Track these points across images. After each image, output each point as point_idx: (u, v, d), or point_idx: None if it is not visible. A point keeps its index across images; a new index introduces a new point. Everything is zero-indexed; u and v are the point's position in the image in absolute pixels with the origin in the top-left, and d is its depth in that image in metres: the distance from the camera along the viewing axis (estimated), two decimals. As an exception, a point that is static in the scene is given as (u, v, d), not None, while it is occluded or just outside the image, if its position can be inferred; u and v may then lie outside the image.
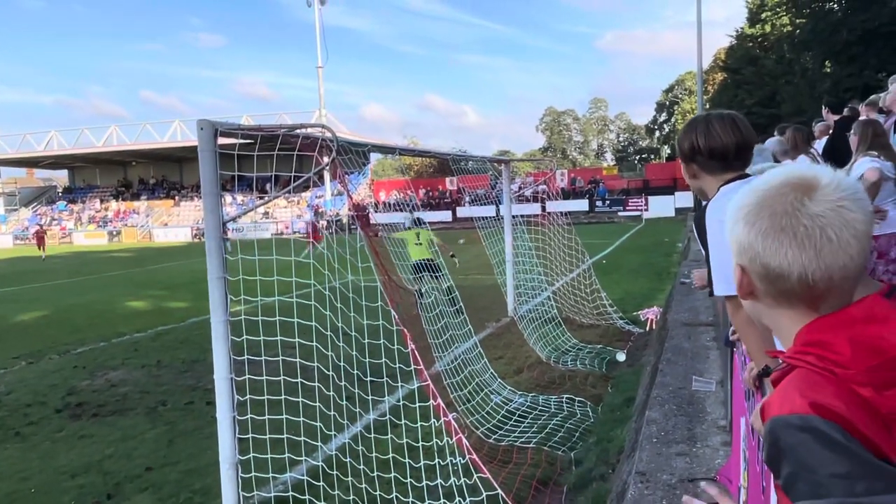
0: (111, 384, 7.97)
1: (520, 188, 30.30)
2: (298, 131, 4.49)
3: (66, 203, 60.85)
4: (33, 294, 18.13)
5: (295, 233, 42.58)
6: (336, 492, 4.26)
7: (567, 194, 42.67)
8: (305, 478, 4.46)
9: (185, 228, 50.87)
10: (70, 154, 57.12)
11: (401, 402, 5.15)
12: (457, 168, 9.06)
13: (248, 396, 4.41)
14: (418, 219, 10.74)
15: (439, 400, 4.25)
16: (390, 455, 4.45)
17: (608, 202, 44.51)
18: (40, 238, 33.14)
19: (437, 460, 4.43)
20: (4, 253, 42.06)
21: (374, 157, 59.08)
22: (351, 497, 4.16)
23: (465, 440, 4.07)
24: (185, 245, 42.85)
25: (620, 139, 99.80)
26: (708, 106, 39.53)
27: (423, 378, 4.36)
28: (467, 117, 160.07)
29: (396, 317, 4.51)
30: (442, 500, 4.03)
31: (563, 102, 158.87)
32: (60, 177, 69.73)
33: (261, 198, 41.48)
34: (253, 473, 4.36)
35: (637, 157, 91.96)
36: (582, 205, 43.14)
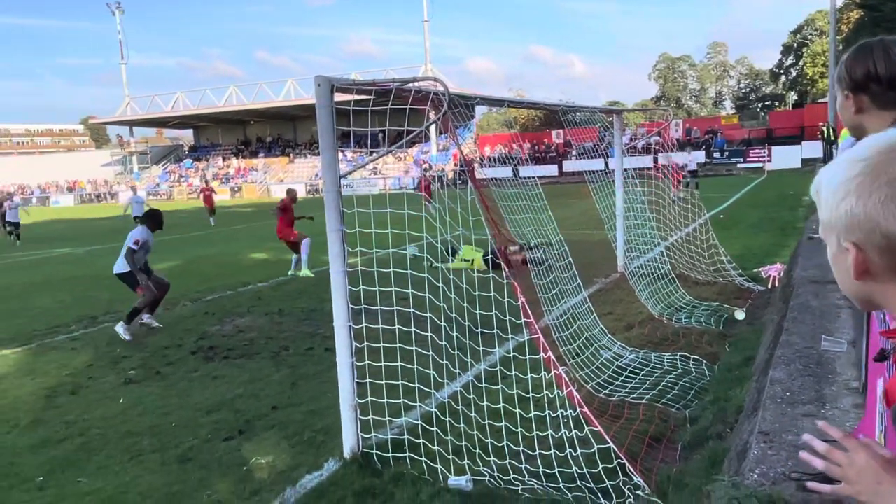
0: (238, 330, 8.53)
1: (631, 140, 29.18)
2: (411, 85, 4.51)
3: (191, 161, 64.73)
4: (167, 246, 19.57)
5: (403, 188, 43.27)
6: (449, 437, 4.39)
7: (682, 145, 40.74)
8: (420, 423, 4.62)
9: (300, 184, 52.94)
10: (194, 114, 60.53)
11: (511, 354, 5.20)
12: (566, 120, 8.83)
13: (365, 344, 4.60)
14: None
15: (550, 353, 4.26)
16: (501, 405, 4.52)
17: (727, 153, 42.13)
18: (208, 198, 28.13)
19: (547, 412, 4.46)
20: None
21: (479, 111, 58.71)
22: (463, 443, 4.28)
23: (575, 393, 4.07)
24: (301, 200, 44.62)
25: (741, 86, 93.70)
26: (841, 47, 36.20)
27: (533, 331, 4.37)
28: (574, 68, 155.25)
29: (507, 270, 4.53)
30: (552, 451, 4.06)
31: (677, 48, 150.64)
32: (186, 136, 74.18)
33: (372, 153, 42.32)
34: (371, 416, 4.57)
35: (759, 105, 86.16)
36: (698, 157, 41.09)
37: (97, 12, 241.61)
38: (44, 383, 6.77)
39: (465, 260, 9.58)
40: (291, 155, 60.34)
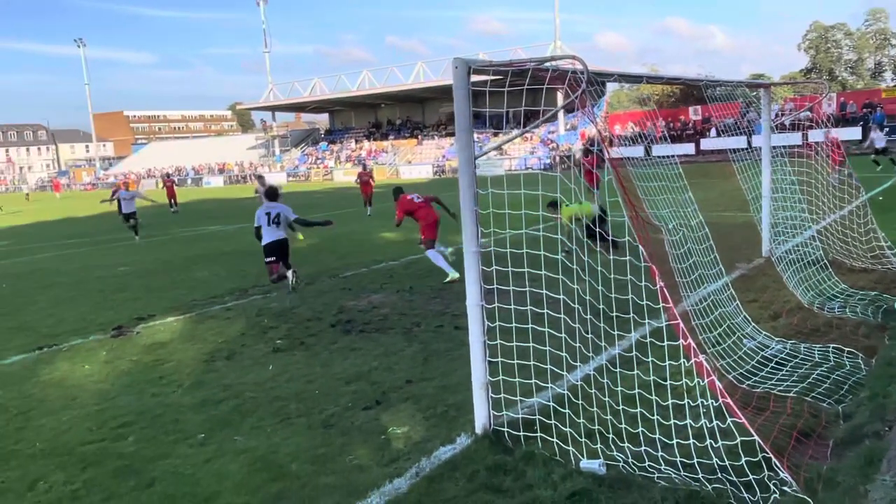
0: (373, 305, 8.89)
1: (778, 115, 27.19)
2: (547, 64, 4.47)
3: (327, 144, 67.69)
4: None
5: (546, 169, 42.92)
6: (581, 420, 4.37)
7: (836, 121, 37.42)
8: (551, 404, 4.63)
9: (427, 166, 53.97)
10: (330, 98, 63.22)
11: (647, 340, 5.07)
12: (709, 96, 8.38)
13: (497, 323, 4.66)
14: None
15: (690, 340, 4.11)
16: (636, 390, 4.43)
17: (887, 129, 38.26)
18: (366, 184, 23.33)
19: (686, 400, 4.32)
20: (282, 188, 48.41)
21: (610, 88, 56.84)
22: (596, 427, 4.25)
23: (717, 382, 3.91)
24: (426, 181, 45.53)
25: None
26: None
27: (671, 317, 4.24)
28: (714, 39, 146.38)
29: (644, 253, 4.40)
30: (691, 440, 3.94)
31: (831, 16, 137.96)
32: (322, 120, 77.67)
33: (495, 134, 42.23)
34: (502, 395, 4.64)
35: (927, 75, 77.24)
36: (854, 133, 37.63)
37: (244, 3, 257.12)
38: (203, 349, 7.42)
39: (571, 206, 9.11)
40: (419, 136, 61.54)
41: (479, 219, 4.54)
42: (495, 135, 42.98)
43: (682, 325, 4.12)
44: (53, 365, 7.23)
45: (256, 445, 4.81)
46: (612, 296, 4.62)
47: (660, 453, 3.99)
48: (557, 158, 46.21)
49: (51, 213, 38.08)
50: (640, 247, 4.28)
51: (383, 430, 4.90)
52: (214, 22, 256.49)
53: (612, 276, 4.67)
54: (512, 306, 4.67)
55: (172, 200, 29.31)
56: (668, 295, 4.24)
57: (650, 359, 4.71)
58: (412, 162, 56.72)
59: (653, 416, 4.26)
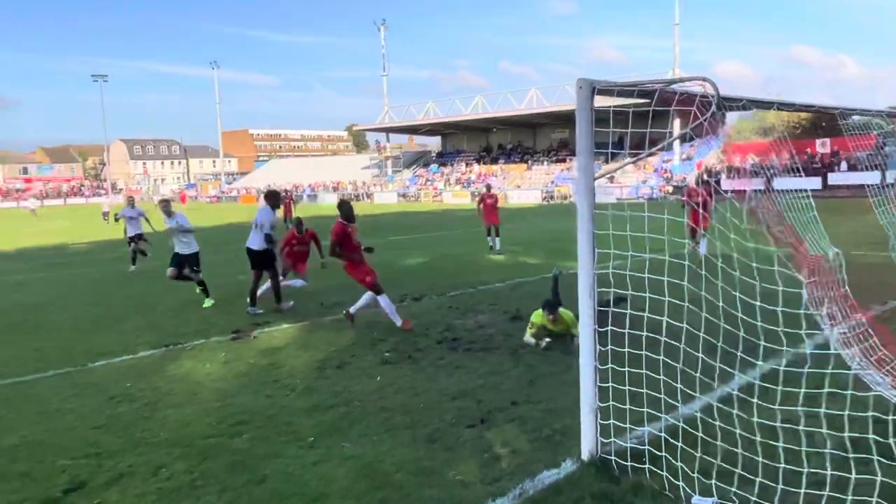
0: (479, 325, 8.91)
1: (920, 149, 25.11)
2: (676, 86, 4.35)
3: (437, 166, 68.98)
4: (414, 244, 21.10)
5: (674, 196, 41.88)
6: (699, 454, 4.15)
7: None
8: (663, 434, 4.44)
9: (535, 191, 53.76)
10: (443, 122, 64.52)
11: (786, 369, 4.74)
12: (845, 125, 7.86)
13: (609, 347, 4.54)
14: None
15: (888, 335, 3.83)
16: (778, 423, 4.12)
17: None
18: (491, 209, 17.53)
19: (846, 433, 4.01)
20: (392, 207, 49.76)
21: (730, 117, 54.65)
22: (717, 461, 4.01)
23: None
24: (535, 206, 45.40)
25: None
26: None
27: (868, 321, 3.96)
28: (845, 69, 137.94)
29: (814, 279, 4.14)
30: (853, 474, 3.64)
31: None
32: (433, 143, 79.32)
33: (607, 161, 41.46)
34: (611, 421, 4.50)
35: None
36: None
37: (364, 29, 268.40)
38: (314, 356, 7.69)
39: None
40: (529, 161, 61.52)
41: (596, 240, 4.46)
42: (606, 161, 42.29)
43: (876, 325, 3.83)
44: (178, 362, 7.71)
45: (363, 453, 4.91)
46: (741, 334, 4.36)
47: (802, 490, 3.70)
48: (670, 189, 44.82)
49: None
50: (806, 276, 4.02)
51: (487, 449, 4.87)
52: (335, 46, 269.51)
53: (740, 314, 4.42)
54: (626, 330, 4.54)
55: (288, 217, 30.59)
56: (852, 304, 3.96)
57: (780, 388, 4.39)
58: (521, 187, 56.72)
59: (800, 447, 3.98)
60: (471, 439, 5.07)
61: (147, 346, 8.48)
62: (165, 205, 11.98)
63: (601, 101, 4.49)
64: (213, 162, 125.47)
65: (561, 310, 7.62)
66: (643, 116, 4.21)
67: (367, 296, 9.12)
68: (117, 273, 16.38)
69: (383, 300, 8.95)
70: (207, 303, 11.22)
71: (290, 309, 10.44)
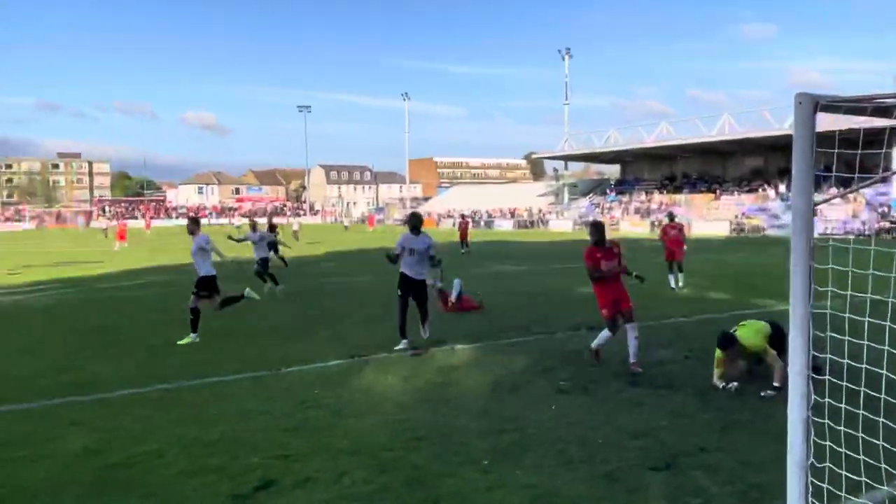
0: (660, 361, 8.39)
1: None
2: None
3: (615, 194, 67.22)
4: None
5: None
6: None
7: None
8: (890, 508, 3.81)
9: (724, 222, 50.41)
10: (624, 150, 62.90)
11: None
12: None
13: (826, 399, 3.99)
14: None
15: None
16: None
17: None
18: (676, 242, 16.00)
19: None
20: (567, 234, 49.21)
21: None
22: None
23: None
24: (722, 238, 42.56)
25: None
26: None
27: None
28: None
29: None
30: None
31: None
32: (612, 171, 77.52)
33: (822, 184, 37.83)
34: (825, 484, 3.94)
35: None
36: None
37: (546, 59, 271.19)
38: (489, 378, 7.65)
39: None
40: (718, 191, 57.92)
41: (814, 275, 3.96)
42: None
43: None
44: (362, 373, 8.05)
45: (537, 483, 4.73)
46: None
47: None
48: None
49: (366, 241, 43.39)
50: None
51: (673, 496, 4.48)
52: (517, 77, 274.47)
53: None
54: (844, 382, 3.97)
55: (464, 241, 31.14)
56: None
57: None
58: (707, 218, 53.49)
59: None
60: (655, 483, 4.70)
61: (335, 355, 8.94)
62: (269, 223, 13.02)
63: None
64: (400, 187, 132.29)
65: (739, 332, 6.99)
66: (851, 142, 3.70)
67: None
68: (313, 286, 17.62)
69: (605, 334, 8.28)
70: (186, 339, 10.07)
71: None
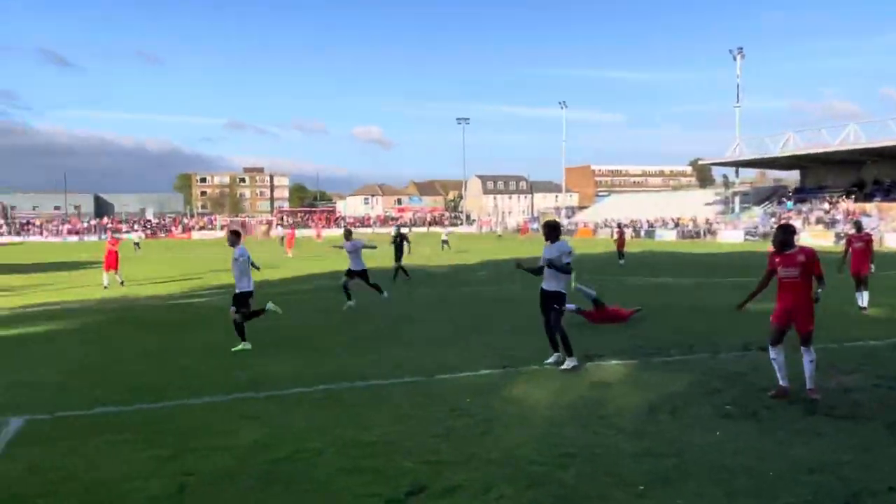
0: (844, 388, 7.56)
1: None
2: None
3: (793, 202, 61.93)
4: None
5: None
6: None
7: None
8: None
9: (924, 234, 44.65)
10: (804, 154, 57.88)
11: None
12: None
13: None
14: None
15: None
16: None
17: None
18: (860, 253, 14.19)
19: None
20: (736, 246, 45.96)
21: None
22: None
23: None
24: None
25: None
26: None
27: None
28: None
29: None
30: None
31: None
32: (788, 178, 71.52)
33: None
34: None
35: None
36: None
37: (715, 61, 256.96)
38: (645, 397, 7.30)
39: None
40: (916, 199, 51.48)
41: None
42: None
43: None
44: (513, 384, 8.01)
45: (698, 513, 4.43)
46: None
47: None
48: None
49: (517, 251, 43.47)
50: None
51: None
52: (682, 82, 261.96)
53: None
54: None
55: (620, 251, 29.96)
56: None
57: None
58: (903, 228, 47.68)
59: None
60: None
61: (485, 365, 8.99)
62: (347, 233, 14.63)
63: None
64: (556, 196, 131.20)
65: None
66: None
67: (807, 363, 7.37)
68: (467, 295, 17.90)
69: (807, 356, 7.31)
70: (240, 346, 10.37)
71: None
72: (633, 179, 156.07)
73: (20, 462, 5.65)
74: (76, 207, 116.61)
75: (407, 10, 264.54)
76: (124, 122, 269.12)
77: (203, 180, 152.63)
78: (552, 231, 8.97)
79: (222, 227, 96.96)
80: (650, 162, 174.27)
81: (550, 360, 9.00)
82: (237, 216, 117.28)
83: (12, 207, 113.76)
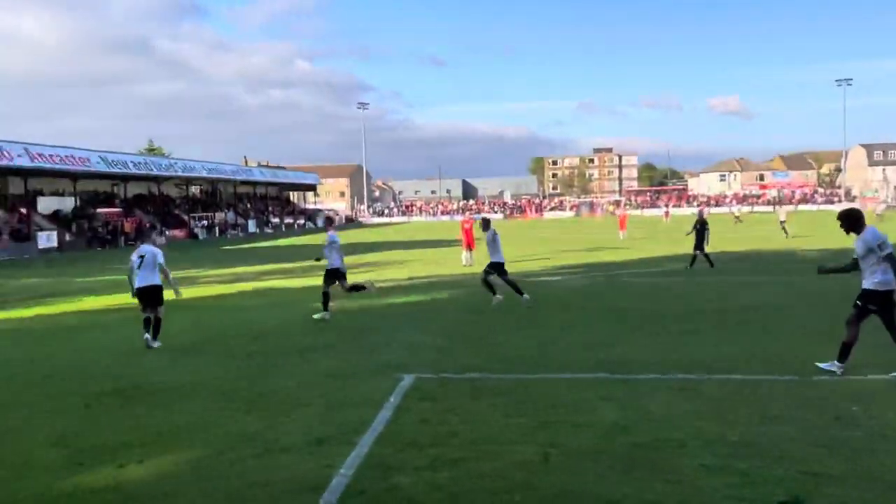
0: None
1: None
2: None
3: None
4: None
5: None
6: None
7: None
8: None
9: None
10: None
11: None
12: None
13: None
14: None
15: None
16: None
17: None
18: None
19: None
20: None
21: None
22: None
23: None
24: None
25: None
26: None
27: None
28: None
29: None
30: None
31: None
32: None
33: None
34: None
35: None
36: None
37: None
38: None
39: None
40: None
41: None
42: None
43: None
44: (915, 396, 6.74)
45: None
46: None
47: None
48: None
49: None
50: None
51: None
52: None
53: None
54: None
55: None
56: None
57: None
58: None
59: None
60: None
61: (877, 369, 7.73)
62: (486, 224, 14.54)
63: None
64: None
65: None
66: None
67: None
68: (838, 285, 15.55)
69: None
70: (318, 315, 12.28)
71: None
72: None
73: (414, 414, 6.63)
74: (448, 191, 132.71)
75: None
76: (485, 113, 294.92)
77: (554, 163, 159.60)
78: (850, 222, 7.59)
79: (571, 208, 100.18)
80: None
81: None
82: (585, 196, 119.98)
83: (399, 192, 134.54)
